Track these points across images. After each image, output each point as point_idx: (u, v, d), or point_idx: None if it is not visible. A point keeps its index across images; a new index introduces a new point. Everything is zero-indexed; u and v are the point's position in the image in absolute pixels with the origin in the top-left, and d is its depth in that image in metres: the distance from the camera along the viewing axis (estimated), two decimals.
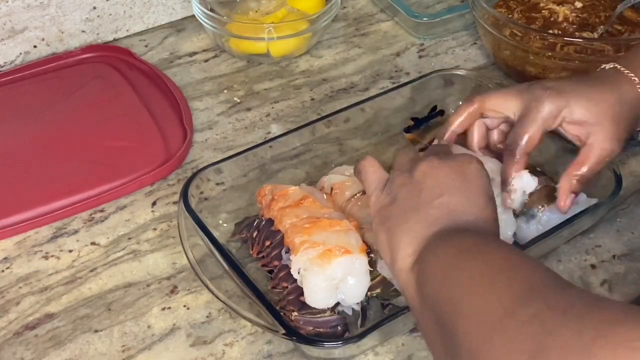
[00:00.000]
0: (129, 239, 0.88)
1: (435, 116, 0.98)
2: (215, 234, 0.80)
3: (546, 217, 0.82)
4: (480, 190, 0.65)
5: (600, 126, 0.77)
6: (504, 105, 0.81)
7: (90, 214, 0.91)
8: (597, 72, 0.81)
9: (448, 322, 0.54)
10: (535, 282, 0.52)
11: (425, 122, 0.97)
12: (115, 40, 1.17)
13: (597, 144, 0.78)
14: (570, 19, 1.07)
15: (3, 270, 0.85)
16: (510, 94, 0.81)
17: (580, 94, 0.78)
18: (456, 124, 0.83)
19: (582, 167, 0.79)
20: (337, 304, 0.75)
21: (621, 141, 0.78)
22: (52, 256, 0.87)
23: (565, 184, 0.79)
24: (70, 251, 0.87)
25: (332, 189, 0.84)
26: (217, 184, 0.87)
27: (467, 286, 0.55)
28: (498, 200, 0.80)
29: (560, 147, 0.86)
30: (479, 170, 0.67)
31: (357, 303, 0.76)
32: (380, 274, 0.76)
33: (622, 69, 0.79)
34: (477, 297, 0.53)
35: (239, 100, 1.07)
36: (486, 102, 0.81)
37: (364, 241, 0.77)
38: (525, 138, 0.78)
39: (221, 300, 0.75)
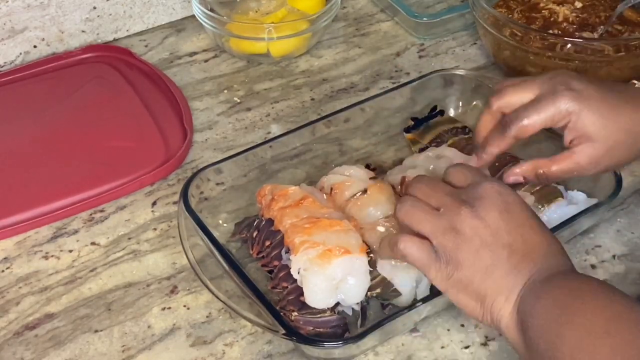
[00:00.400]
0: (129, 239, 0.88)
1: (435, 116, 0.98)
2: (215, 234, 0.80)
3: (546, 217, 0.82)
4: (525, 215, 0.67)
5: (595, 145, 0.75)
6: (522, 100, 0.78)
7: (90, 214, 0.91)
8: (629, 88, 0.78)
9: None
10: None
11: (425, 122, 0.97)
12: (115, 40, 1.17)
13: (579, 158, 0.76)
14: (570, 19, 1.07)
15: (3, 270, 0.85)
16: (528, 88, 0.78)
17: (597, 107, 0.75)
18: (483, 132, 0.81)
19: (553, 167, 0.77)
20: (337, 304, 0.75)
21: (600, 167, 0.77)
22: (52, 256, 0.87)
23: (528, 167, 0.78)
24: (70, 251, 0.87)
25: (332, 189, 0.84)
26: (217, 184, 0.87)
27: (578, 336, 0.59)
28: None
29: (559, 147, 0.86)
30: (508, 195, 0.68)
31: (357, 303, 0.76)
32: (380, 274, 0.76)
33: None
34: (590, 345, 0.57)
35: (239, 100, 1.07)
36: (503, 101, 0.79)
37: (364, 241, 0.77)
38: (524, 122, 0.76)
39: (221, 300, 0.75)
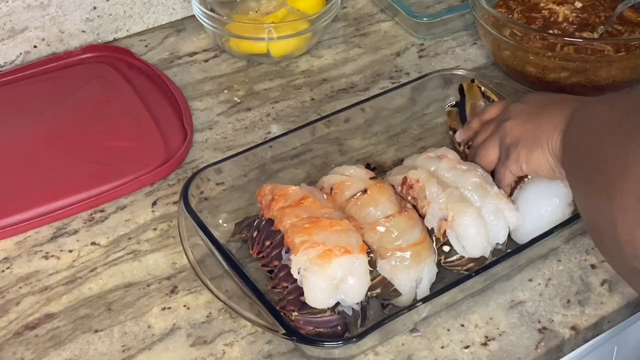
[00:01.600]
0: (129, 239, 0.88)
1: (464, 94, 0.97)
2: (215, 234, 0.80)
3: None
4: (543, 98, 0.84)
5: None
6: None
7: (90, 214, 0.91)
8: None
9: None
10: None
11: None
12: (115, 40, 1.17)
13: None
14: (570, 19, 1.07)
15: (3, 270, 0.85)
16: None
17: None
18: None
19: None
20: (337, 304, 0.75)
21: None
22: (52, 256, 0.87)
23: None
24: (71, 251, 0.87)
25: (332, 189, 0.84)
26: (217, 184, 0.87)
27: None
28: (491, 204, 0.80)
29: None
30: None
31: (357, 303, 0.76)
32: (380, 274, 0.76)
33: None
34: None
35: (239, 100, 1.07)
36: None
37: (364, 241, 0.77)
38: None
39: (221, 300, 0.75)
